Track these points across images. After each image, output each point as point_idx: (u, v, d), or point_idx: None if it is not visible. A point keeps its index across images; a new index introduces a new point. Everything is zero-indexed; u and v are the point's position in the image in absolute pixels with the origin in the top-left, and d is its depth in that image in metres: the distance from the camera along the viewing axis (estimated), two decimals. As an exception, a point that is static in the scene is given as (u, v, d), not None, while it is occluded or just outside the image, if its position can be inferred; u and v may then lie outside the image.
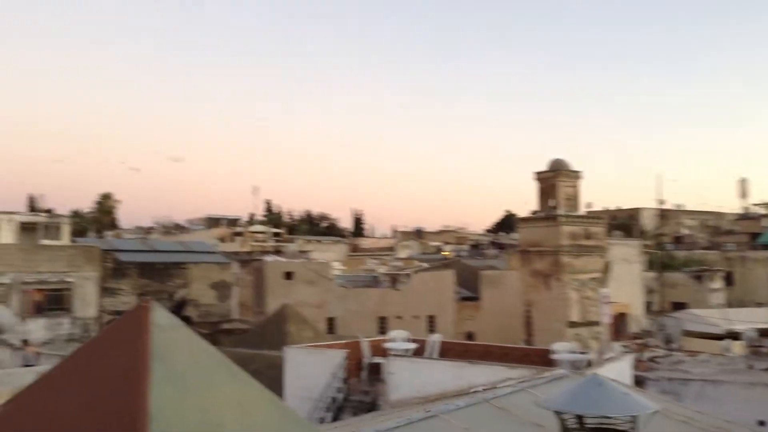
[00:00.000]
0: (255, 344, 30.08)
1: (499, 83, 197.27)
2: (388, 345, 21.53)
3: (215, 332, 37.67)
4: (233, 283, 49.56)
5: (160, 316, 3.51)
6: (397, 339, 22.12)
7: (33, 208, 79.46)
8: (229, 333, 40.59)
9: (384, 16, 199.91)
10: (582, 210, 41.94)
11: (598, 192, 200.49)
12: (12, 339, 22.83)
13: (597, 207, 54.35)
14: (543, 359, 19.37)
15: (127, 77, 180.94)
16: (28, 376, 13.60)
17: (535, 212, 42.90)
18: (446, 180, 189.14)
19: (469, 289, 49.70)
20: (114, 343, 3.23)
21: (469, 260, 60.61)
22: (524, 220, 43.59)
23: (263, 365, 23.28)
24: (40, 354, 21.77)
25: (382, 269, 58.47)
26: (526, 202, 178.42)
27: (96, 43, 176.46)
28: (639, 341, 40.87)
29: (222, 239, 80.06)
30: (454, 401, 11.71)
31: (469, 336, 44.04)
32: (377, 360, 20.99)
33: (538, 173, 41.15)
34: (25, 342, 21.87)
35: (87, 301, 31.13)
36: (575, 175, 40.98)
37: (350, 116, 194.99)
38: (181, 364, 3.46)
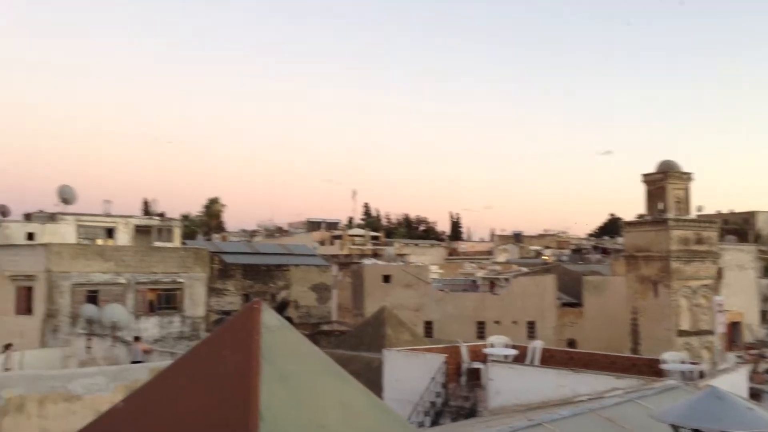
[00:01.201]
0: (353, 346, 30.46)
1: (603, 83, 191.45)
2: (487, 350, 21.24)
3: (315, 333, 38.42)
4: (332, 286, 50.47)
5: (269, 317, 3.58)
6: (497, 344, 21.79)
7: (147, 212, 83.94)
8: (328, 334, 41.31)
9: (480, 19, 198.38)
10: (693, 213, 39.94)
11: (710, 194, 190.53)
12: (127, 336, 24.11)
13: (708, 210, 51.46)
14: (651, 369, 18.55)
15: (230, 87, 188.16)
16: (140, 372, 14.33)
17: (642, 216, 41.27)
18: (547, 183, 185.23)
19: (571, 295, 48.46)
20: (226, 343, 3.31)
21: (570, 265, 59.09)
22: (631, 223, 42.01)
23: (361, 367, 23.53)
24: (152, 351, 22.85)
25: (480, 273, 57.90)
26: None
27: (223, 52, 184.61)
28: (754, 352, 38.50)
29: (322, 242, 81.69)
30: (558, 410, 11.38)
31: (571, 343, 42.90)
32: (476, 365, 20.75)
33: (646, 175, 39.56)
34: (137, 339, 23.01)
35: (196, 300, 32.45)
36: (685, 176, 39.11)
37: (449, 121, 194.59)
38: (289, 364, 3.51)
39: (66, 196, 33.74)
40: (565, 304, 47.25)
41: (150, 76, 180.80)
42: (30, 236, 32.90)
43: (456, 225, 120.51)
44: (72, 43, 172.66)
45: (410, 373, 20.02)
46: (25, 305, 28.85)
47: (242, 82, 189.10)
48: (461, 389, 20.11)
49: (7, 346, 21.41)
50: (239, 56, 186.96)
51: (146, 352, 21.56)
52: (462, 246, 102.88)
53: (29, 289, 28.76)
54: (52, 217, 33.96)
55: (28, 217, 34.73)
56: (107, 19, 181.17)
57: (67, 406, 12.61)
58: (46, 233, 32.80)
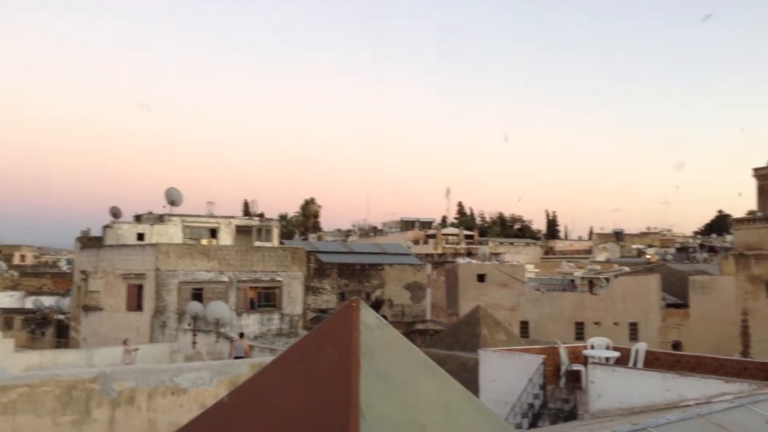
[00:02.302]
0: (448, 345, 30.30)
1: (707, 78, 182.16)
2: (587, 352, 20.63)
3: (409, 332, 38.50)
4: (426, 285, 50.44)
5: (368, 315, 3.60)
6: (598, 346, 21.13)
7: (247, 212, 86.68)
8: (422, 333, 41.30)
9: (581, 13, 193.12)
10: (810, 209, 37.37)
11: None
12: (230, 332, 24.97)
13: (829, 206, 47.95)
14: (764, 373, 17.46)
15: (325, 89, 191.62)
16: (242, 367, 14.79)
17: (753, 212, 38.99)
18: (649, 179, 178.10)
19: (676, 296, 46.51)
20: (326, 341, 3.35)
21: (675, 264, 56.64)
22: (741, 220, 39.75)
23: (456, 367, 23.37)
24: (253, 347, 23.55)
25: (579, 273, 56.37)
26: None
27: (318, 55, 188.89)
28: None
29: (415, 241, 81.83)
30: (664, 415, 10.89)
31: (676, 346, 41.15)
32: (576, 367, 20.19)
33: (758, 170, 37.36)
34: (241, 335, 23.74)
35: (294, 298, 33.19)
36: (802, 170, 36.67)
37: (544, 119, 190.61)
38: (387, 362, 3.51)
39: (173, 198, 35.27)
40: (669, 305, 45.36)
41: (248, 83, 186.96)
42: (140, 237, 34.60)
43: (552, 223, 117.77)
44: (178, 55, 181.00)
45: (507, 373, 19.72)
46: (135, 302, 30.41)
47: (336, 85, 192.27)
48: (560, 391, 19.62)
49: (125, 342, 22.61)
50: (335, 59, 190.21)
51: (248, 348, 22.22)
52: (559, 245, 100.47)
53: (139, 287, 30.29)
54: (160, 219, 35.62)
55: (138, 218, 36.56)
56: (209, 28, 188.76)
57: (174, 399, 13.18)
58: (155, 234, 34.43)
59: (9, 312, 44.19)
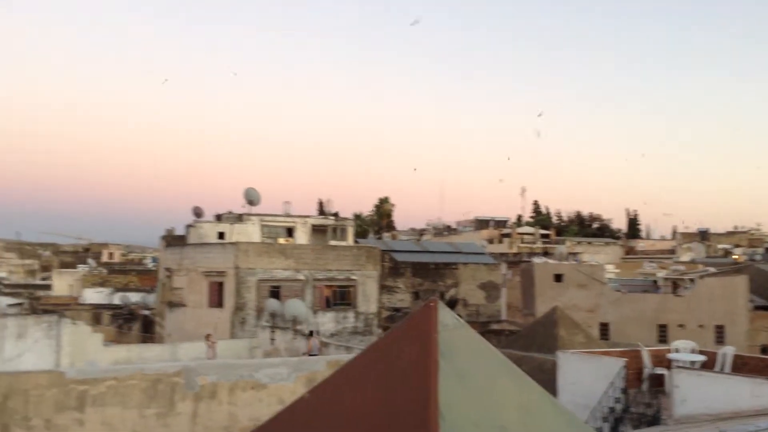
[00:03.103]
0: (524, 346, 29.84)
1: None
2: (671, 356, 19.91)
3: (484, 332, 38.14)
4: (501, 284, 49.86)
5: (445, 315, 3.57)
6: (683, 349, 20.36)
7: (322, 212, 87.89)
8: (497, 334, 40.86)
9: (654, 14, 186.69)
10: None
11: None
12: (306, 329, 25.38)
13: None
14: None
15: (397, 89, 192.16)
16: (319, 364, 14.99)
17: None
18: (736, 176, 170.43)
19: (765, 297, 44.36)
20: (404, 340, 3.35)
21: (764, 265, 53.96)
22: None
23: (533, 368, 22.97)
24: (327, 344, 23.83)
25: (662, 273, 54.48)
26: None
27: (393, 56, 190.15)
28: None
29: (490, 240, 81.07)
30: (753, 422, 10.41)
31: (765, 349, 39.22)
32: (659, 371, 19.54)
33: None
34: (311, 333, 23.97)
35: (368, 297, 33.43)
36: None
37: (622, 116, 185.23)
38: (466, 362, 3.48)
39: (251, 198, 36.14)
40: (758, 308, 43.26)
41: (324, 83, 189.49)
42: (220, 235, 35.62)
43: (633, 222, 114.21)
44: (257, 56, 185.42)
45: (586, 376, 19.26)
46: (216, 299, 31.31)
47: (409, 84, 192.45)
48: (643, 396, 19.02)
49: (207, 337, 23.32)
50: (408, 59, 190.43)
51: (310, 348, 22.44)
52: (640, 244, 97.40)
53: (220, 284, 31.17)
54: (239, 218, 36.56)
55: (218, 217, 37.65)
56: (287, 29, 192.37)
57: (254, 393, 13.49)
58: (235, 232, 35.37)
59: (98, 307, 46.26)
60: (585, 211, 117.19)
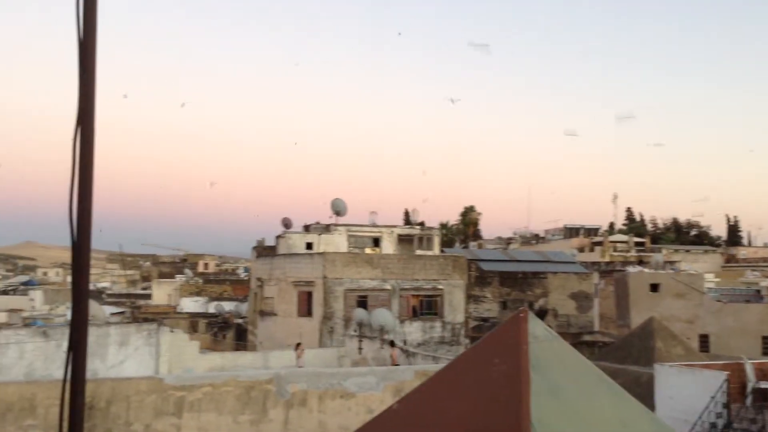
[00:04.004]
0: (618, 359, 28.80)
1: None
2: (779, 370, 18.80)
3: (575, 344, 37.06)
4: (593, 294, 48.42)
5: (536, 326, 3.49)
6: (791, 363, 19.18)
7: (408, 221, 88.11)
8: (590, 345, 39.68)
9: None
10: None
11: None
12: (394, 339, 25.44)
13: None
14: None
15: (482, 99, 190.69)
16: (407, 374, 14.97)
17: None
18: None
19: None
20: (494, 352, 3.29)
21: None
22: None
23: (628, 381, 22.14)
24: (413, 354, 23.76)
25: (765, 282, 51.54)
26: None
27: (468, 63, 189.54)
28: None
29: (581, 249, 78.92)
30: None
31: None
32: (765, 385, 18.45)
33: None
34: (392, 343, 23.85)
35: (455, 306, 33.21)
36: None
37: (723, 119, 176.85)
38: (559, 376, 3.38)
39: (338, 208, 36.65)
40: None
41: (409, 95, 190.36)
42: (309, 246, 36.26)
43: (734, 229, 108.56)
44: (343, 70, 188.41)
45: (686, 390, 18.41)
46: (305, 308, 31.88)
47: (495, 93, 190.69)
48: (747, 411, 18.01)
49: (297, 346, 23.75)
50: (493, 68, 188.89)
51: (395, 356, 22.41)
52: (742, 252, 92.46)
53: (309, 294, 31.72)
54: (326, 228, 37.13)
55: (307, 228, 38.35)
56: (369, 44, 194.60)
57: (342, 402, 13.62)
58: (322, 243, 35.93)
59: (195, 316, 48.02)
60: (682, 218, 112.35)
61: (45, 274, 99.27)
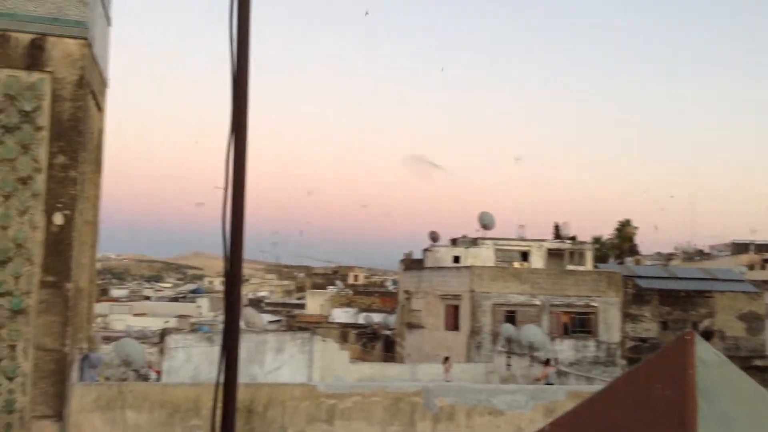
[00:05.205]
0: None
1: None
2: None
3: (745, 368, 34.00)
4: (765, 315, 44.50)
5: (704, 350, 3.21)
6: None
7: (558, 235, 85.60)
8: (761, 371, 36.36)
9: None
10: None
11: None
12: (543, 356, 24.70)
13: None
14: None
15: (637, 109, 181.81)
16: (558, 394, 14.43)
17: None
18: None
19: None
20: (656, 376, 3.05)
21: None
22: None
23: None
24: (566, 373, 22.93)
25: None
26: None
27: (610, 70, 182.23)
28: None
29: (750, 266, 72.80)
30: None
31: None
32: None
33: None
34: (547, 362, 23.15)
35: (610, 325, 31.83)
36: None
37: None
38: (730, 405, 3.09)
39: (486, 222, 36.35)
40: None
41: (557, 107, 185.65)
42: (456, 259, 36.23)
43: None
44: (493, 86, 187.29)
45: None
46: (452, 322, 31.82)
47: (651, 101, 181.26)
48: None
49: (446, 359, 23.72)
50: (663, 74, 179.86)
51: (544, 376, 21.59)
52: None
53: (456, 308, 31.64)
54: (473, 242, 36.92)
55: (453, 242, 38.33)
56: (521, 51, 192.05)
57: (490, 419, 13.36)
58: (469, 256, 35.76)
59: (345, 326, 49.41)
60: None
61: (211, 282, 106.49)
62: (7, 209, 9.80)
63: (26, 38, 10.05)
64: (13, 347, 9.68)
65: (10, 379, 9.64)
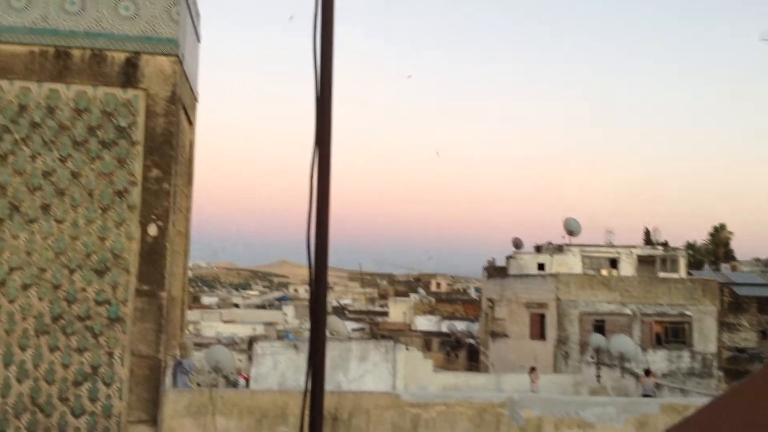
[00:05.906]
0: None
1: None
2: None
3: None
4: None
5: (819, 364, 2.96)
6: None
7: (649, 241, 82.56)
8: None
9: None
10: None
11: None
12: (636, 368, 23.83)
13: None
14: None
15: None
16: (651, 407, 13.86)
17: None
18: None
19: None
20: (765, 393, 2.84)
21: None
22: None
23: None
24: (661, 385, 22.08)
25: None
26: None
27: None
28: None
29: None
30: None
31: None
32: None
33: None
34: (647, 372, 22.48)
35: (706, 335, 30.39)
36: None
37: None
38: None
39: (571, 228, 35.48)
40: None
41: (645, 109, 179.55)
42: (540, 266, 35.52)
43: None
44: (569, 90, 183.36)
45: None
46: (538, 331, 31.16)
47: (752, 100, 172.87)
48: None
49: (532, 370, 23.27)
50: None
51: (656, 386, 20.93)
52: None
53: (541, 316, 30.97)
54: (559, 249, 36.09)
55: (538, 248, 37.60)
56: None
57: (579, 432, 12.96)
58: (555, 264, 34.98)
59: (428, 334, 49.18)
60: None
61: (296, 290, 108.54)
62: (105, 221, 10.27)
63: (121, 57, 10.53)
64: (110, 354, 10.11)
65: (108, 384, 10.06)
